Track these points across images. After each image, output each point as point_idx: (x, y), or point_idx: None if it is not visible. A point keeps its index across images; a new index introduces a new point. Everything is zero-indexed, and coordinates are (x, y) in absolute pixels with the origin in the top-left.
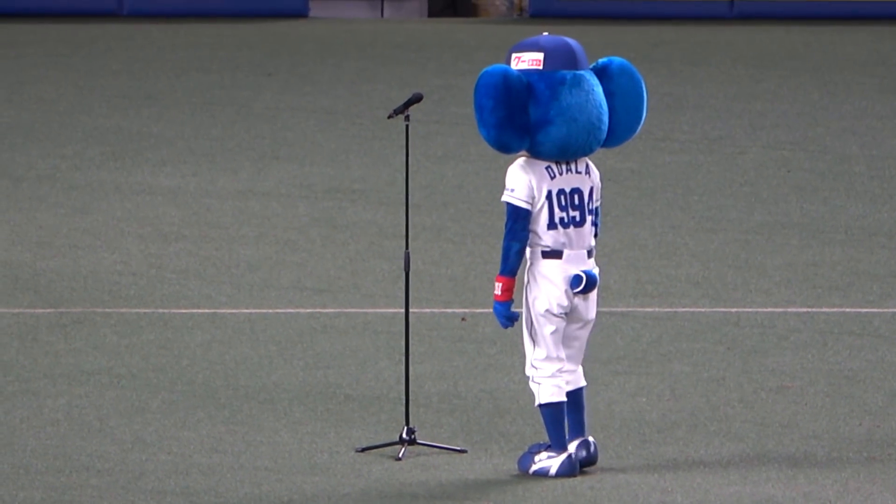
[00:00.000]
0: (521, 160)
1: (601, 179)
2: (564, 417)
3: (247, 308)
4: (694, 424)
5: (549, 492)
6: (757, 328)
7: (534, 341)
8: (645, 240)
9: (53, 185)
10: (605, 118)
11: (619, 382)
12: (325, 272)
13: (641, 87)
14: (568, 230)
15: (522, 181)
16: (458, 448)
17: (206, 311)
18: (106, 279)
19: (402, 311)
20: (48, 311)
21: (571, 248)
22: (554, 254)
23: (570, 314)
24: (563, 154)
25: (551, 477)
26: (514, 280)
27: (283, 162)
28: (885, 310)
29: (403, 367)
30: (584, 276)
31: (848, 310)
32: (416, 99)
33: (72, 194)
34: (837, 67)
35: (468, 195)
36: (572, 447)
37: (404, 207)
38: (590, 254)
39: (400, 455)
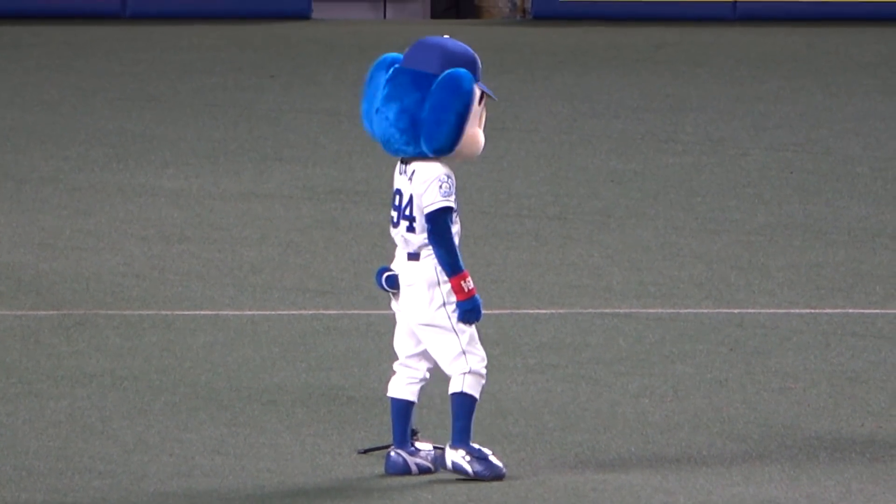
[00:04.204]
0: None
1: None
2: (404, 413)
3: (249, 310)
4: (696, 425)
5: (552, 493)
6: (760, 329)
7: None
8: (648, 241)
9: (56, 187)
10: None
11: (621, 383)
12: (328, 274)
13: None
14: (391, 230)
15: None
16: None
17: (209, 312)
18: (108, 281)
19: None
20: (51, 312)
21: (398, 248)
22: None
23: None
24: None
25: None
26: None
27: (285, 163)
28: (888, 311)
29: None
30: (376, 274)
31: (851, 311)
32: None
33: (74, 196)
34: (841, 69)
35: (470, 196)
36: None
37: None
38: (411, 256)
39: None
